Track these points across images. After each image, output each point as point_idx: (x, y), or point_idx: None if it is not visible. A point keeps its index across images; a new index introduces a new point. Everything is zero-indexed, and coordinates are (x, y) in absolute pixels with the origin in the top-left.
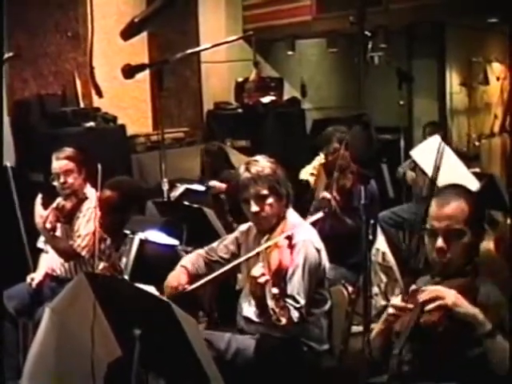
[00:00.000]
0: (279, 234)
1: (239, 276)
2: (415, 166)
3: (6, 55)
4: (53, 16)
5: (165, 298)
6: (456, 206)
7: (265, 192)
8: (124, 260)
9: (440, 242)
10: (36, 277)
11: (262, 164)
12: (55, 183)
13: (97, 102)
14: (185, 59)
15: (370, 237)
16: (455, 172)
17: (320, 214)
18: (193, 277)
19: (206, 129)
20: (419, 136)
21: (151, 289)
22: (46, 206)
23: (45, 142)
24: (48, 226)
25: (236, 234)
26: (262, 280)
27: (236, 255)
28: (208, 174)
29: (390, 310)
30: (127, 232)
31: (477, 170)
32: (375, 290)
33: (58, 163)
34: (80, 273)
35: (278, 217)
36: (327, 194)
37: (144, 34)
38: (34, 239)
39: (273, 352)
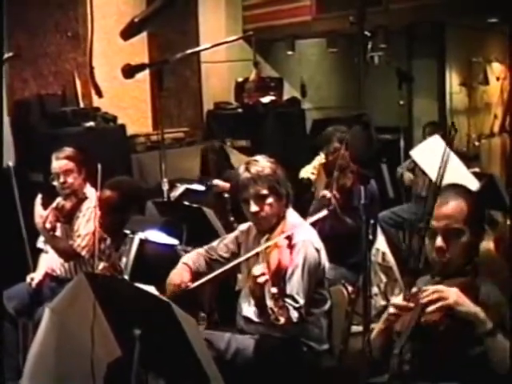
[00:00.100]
0: (279, 234)
1: (239, 276)
2: (414, 167)
3: (6, 55)
4: (53, 16)
5: (165, 298)
6: (455, 206)
7: (264, 192)
8: (124, 260)
9: (439, 242)
10: (36, 277)
11: (262, 164)
12: (55, 183)
13: (97, 101)
14: (185, 59)
15: (370, 237)
16: (455, 172)
17: (324, 212)
18: (195, 274)
19: (205, 129)
20: (419, 136)
21: (151, 289)
22: (45, 205)
23: (45, 141)
24: (48, 225)
25: (236, 233)
26: (261, 280)
27: (236, 254)
28: (213, 171)
29: (391, 310)
30: (127, 232)
31: (476, 170)
32: (375, 289)
33: (58, 163)
34: (80, 273)
35: (277, 217)
36: (327, 192)
37: (144, 34)
38: (33, 239)
39: (273, 352)
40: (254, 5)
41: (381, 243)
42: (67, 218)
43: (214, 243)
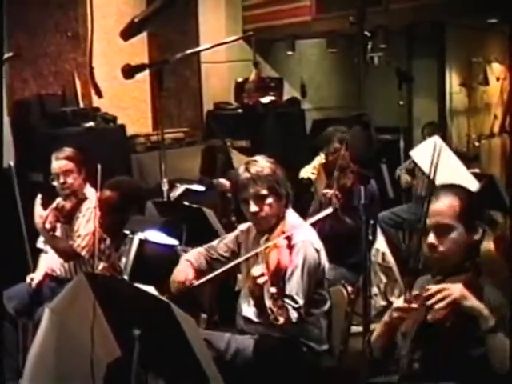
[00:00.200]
0: (278, 234)
1: (239, 277)
2: (413, 168)
3: (6, 55)
4: (53, 16)
5: (164, 298)
6: (446, 203)
7: (264, 192)
8: (124, 260)
9: (430, 238)
10: (36, 277)
11: (262, 164)
12: (55, 183)
13: (96, 102)
14: (185, 59)
15: (370, 237)
16: (455, 172)
17: (329, 210)
18: (198, 272)
19: (205, 129)
20: (419, 136)
21: (151, 289)
22: (45, 206)
23: (44, 142)
24: (48, 226)
25: (236, 232)
26: (261, 281)
27: (236, 254)
28: (219, 171)
29: (395, 314)
30: (127, 232)
31: (476, 170)
32: (375, 290)
33: (58, 163)
34: (80, 273)
35: (277, 217)
36: (329, 191)
37: (144, 34)
38: (33, 239)
39: (272, 352)
40: (253, 5)
41: (381, 243)
42: (67, 218)
43: (214, 242)
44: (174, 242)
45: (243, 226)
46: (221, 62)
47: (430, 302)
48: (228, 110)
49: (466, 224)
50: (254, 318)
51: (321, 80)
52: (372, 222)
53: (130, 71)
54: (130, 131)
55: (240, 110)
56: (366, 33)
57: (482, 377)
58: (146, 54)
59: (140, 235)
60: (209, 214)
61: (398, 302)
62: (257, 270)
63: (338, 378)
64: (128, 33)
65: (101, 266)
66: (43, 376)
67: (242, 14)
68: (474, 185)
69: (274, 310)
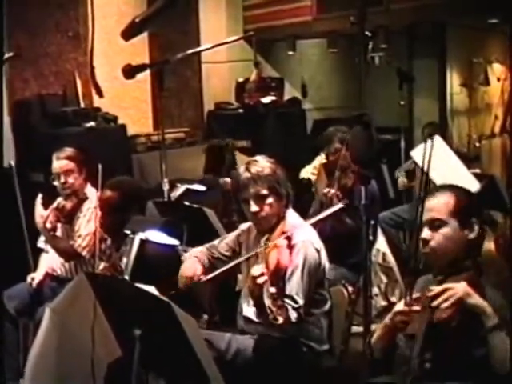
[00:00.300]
0: (279, 234)
1: (239, 277)
2: (414, 169)
3: (7, 55)
4: (53, 16)
5: (165, 298)
6: (440, 199)
7: (264, 192)
8: (124, 260)
9: (423, 233)
10: (36, 277)
11: (262, 164)
12: (56, 183)
13: (97, 101)
14: (185, 59)
15: (371, 237)
16: (455, 173)
17: (340, 205)
18: (205, 268)
19: (206, 129)
20: (420, 136)
21: (151, 289)
22: (46, 205)
23: (45, 141)
24: (48, 225)
25: (237, 232)
26: (260, 280)
27: (237, 253)
28: (225, 170)
29: (397, 318)
30: (128, 232)
31: (477, 170)
32: (375, 290)
33: (59, 163)
34: (80, 273)
35: (277, 217)
36: (330, 190)
37: (145, 34)
38: (34, 239)
39: (273, 352)
40: (254, 5)
41: (381, 244)
42: (68, 218)
43: (215, 242)
44: (174, 242)
45: (244, 226)
46: (222, 62)
47: (435, 303)
48: (229, 110)
49: (460, 221)
50: (255, 318)
51: (321, 80)
52: (373, 222)
53: (130, 71)
54: (130, 131)
55: (241, 110)
56: (367, 33)
57: (489, 376)
58: (146, 54)
59: (141, 235)
60: (209, 214)
61: (399, 306)
62: (256, 270)
63: (338, 378)
64: (129, 33)
65: (101, 265)
66: (44, 376)
67: (242, 14)
68: (474, 185)
69: (273, 309)
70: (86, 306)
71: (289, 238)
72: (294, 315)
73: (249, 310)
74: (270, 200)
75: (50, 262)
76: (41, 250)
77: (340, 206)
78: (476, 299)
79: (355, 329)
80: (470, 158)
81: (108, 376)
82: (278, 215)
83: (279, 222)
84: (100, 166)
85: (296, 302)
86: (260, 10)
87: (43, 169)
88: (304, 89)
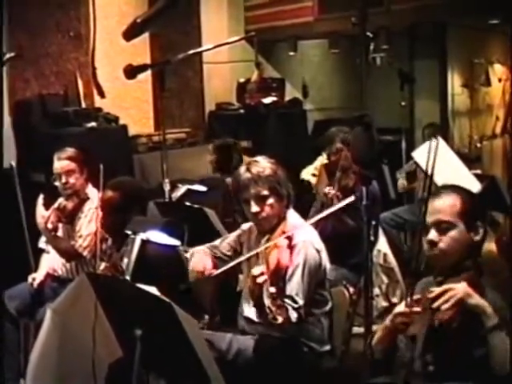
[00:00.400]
0: (279, 234)
1: (240, 277)
2: (415, 170)
3: (8, 55)
4: (54, 16)
5: (166, 299)
6: (446, 200)
7: (265, 192)
8: (125, 260)
9: (430, 235)
10: (37, 277)
11: (263, 164)
12: (57, 183)
13: (99, 102)
14: (187, 60)
15: (372, 238)
16: (457, 173)
17: (351, 198)
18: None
19: (207, 129)
20: (421, 137)
21: (152, 289)
22: (47, 206)
23: (46, 142)
24: (49, 226)
25: (238, 232)
26: (260, 280)
27: (238, 253)
28: (234, 168)
29: (398, 320)
30: (129, 232)
31: (478, 171)
32: (376, 291)
33: (60, 163)
34: (81, 273)
35: (278, 217)
36: (331, 190)
37: (146, 35)
38: (35, 239)
39: (274, 353)
40: (256, 5)
41: (382, 244)
42: (69, 218)
43: (217, 242)
44: (175, 242)
45: (245, 226)
46: (223, 63)
47: (436, 304)
48: (230, 111)
49: (466, 223)
50: (256, 319)
51: (323, 81)
52: (374, 222)
53: (132, 71)
54: (131, 131)
55: (242, 111)
56: (368, 33)
57: (490, 376)
58: (148, 55)
59: (142, 235)
60: (210, 215)
61: (400, 307)
62: (256, 270)
63: (339, 379)
64: (130, 33)
65: (102, 266)
66: (45, 376)
67: (244, 15)
68: (475, 186)
69: (273, 309)
70: (87, 307)
71: (289, 238)
72: (294, 315)
73: (250, 310)
74: (270, 200)
75: (50, 262)
76: (42, 251)
77: (352, 199)
78: (476, 299)
79: (356, 329)
80: (471, 159)
81: (109, 376)
82: (278, 216)
83: (280, 222)
84: (101, 167)
85: (296, 302)
86: (261, 11)
87: (44, 169)
88: (305, 89)
